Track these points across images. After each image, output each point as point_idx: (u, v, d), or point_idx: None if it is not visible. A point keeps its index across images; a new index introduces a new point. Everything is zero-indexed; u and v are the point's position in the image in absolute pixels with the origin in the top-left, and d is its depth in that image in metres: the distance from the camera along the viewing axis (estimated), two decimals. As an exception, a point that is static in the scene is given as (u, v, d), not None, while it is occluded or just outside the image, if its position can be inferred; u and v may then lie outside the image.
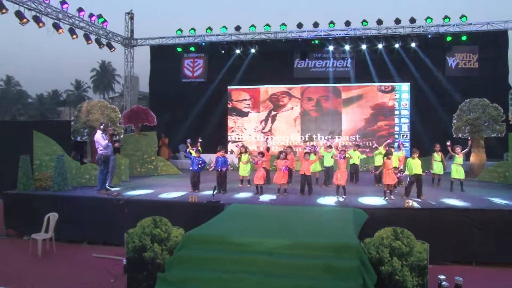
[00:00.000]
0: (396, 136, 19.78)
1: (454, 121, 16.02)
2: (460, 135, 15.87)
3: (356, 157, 14.80)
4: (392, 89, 20.30)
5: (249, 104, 21.94)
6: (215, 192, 11.85)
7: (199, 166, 13.08)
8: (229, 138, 21.85)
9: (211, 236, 7.83)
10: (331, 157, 13.91)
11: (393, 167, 11.64)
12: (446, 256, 9.57)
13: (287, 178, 12.57)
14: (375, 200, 11.33)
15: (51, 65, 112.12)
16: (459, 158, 12.82)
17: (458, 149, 12.87)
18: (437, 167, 13.68)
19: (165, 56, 23.38)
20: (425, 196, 11.55)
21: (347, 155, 13.04)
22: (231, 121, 22.16)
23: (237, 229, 8.31)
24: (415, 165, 11.52)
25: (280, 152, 12.81)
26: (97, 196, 12.22)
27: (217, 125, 22.04)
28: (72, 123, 15.36)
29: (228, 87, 22.12)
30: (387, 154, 11.62)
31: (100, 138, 12.67)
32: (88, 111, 15.45)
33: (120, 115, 16.37)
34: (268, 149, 14.81)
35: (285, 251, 7.24)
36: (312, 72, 21.48)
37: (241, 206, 11.03)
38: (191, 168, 13.21)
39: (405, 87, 20.19)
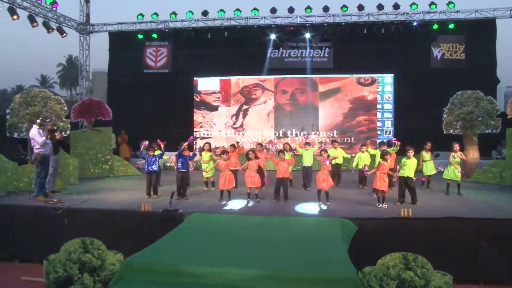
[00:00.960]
0: (378, 132, 18.15)
1: (445, 116, 14.45)
2: (451, 131, 14.32)
3: (340, 156, 13.04)
4: (374, 81, 18.64)
5: (218, 98, 19.95)
6: (173, 199, 9.85)
7: (153, 167, 11.12)
8: (197, 135, 19.73)
9: (158, 265, 5.92)
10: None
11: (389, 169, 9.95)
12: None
13: (260, 181, 10.66)
14: (364, 209, 9.57)
15: (15, 59, 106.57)
16: (457, 158, 11.21)
17: (456, 146, 11.27)
18: (427, 168, 12.12)
19: (125, 44, 21.19)
20: (419, 202, 9.89)
21: (330, 155, 11.24)
22: (199, 115, 20.16)
23: (193, 253, 6.39)
24: (412, 167, 9.83)
25: (249, 151, 10.87)
26: (32, 204, 10.21)
27: (183, 120, 19.96)
28: (8, 116, 13.05)
29: (195, 78, 20.04)
30: (384, 155, 9.86)
31: (36, 135, 10.67)
32: (28, 103, 13.15)
33: (66, 108, 14.10)
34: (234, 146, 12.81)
35: (256, 284, 5.34)
36: (287, 63, 19.63)
37: (204, 217, 9.18)
38: (146, 169, 11.20)
39: (388, 79, 18.59)
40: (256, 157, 10.80)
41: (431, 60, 18.70)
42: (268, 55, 19.67)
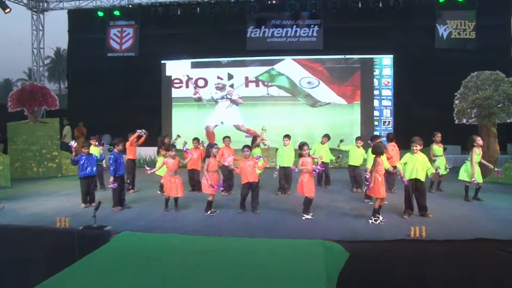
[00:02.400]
0: (376, 123, 15.57)
1: (457, 102, 11.89)
2: (464, 121, 11.76)
3: (326, 152, 10.46)
4: (370, 64, 15.99)
5: (190, 84, 17.21)
6: (96, 211, 7.25)
7: (87, 170, 8.69)
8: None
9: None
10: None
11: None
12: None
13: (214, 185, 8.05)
14: (359, 225, 7.02)
15: (1, 52, 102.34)
16: (478, 154, 8.66)
17: (479, 139, 8.71)
18: (440, 165, 9.59)
19: (86, 25, 18.48)
20: (431, 212, 7.38)
21: (314, 153, 8.66)
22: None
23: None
24: (421, 165, 7.29)
25: (210, 146, 8.24)
26: None
27: (152, 110, 17.26)
28: None
29: (163, 61, 17.32)
30: (378, 149, 7.29)
31: None
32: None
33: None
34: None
35: None
36: (270, 43, 16.93)
37: (136, 237, 6.67)
38: (79, 175, 8.85)
39: (386, 60, 15.94)
40: (214, 156, 8.18)
41: (436, 40, 16.11)
42: (248, 35, 16.99)
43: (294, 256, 5.64)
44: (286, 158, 9.64)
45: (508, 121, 11.37)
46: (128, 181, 10.19)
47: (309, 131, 15.68)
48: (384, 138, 10.79)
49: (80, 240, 6.71)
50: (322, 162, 10.11)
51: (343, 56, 16.12)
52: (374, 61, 15.91)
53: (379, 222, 7.00)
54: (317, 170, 7.41)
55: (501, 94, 11.28)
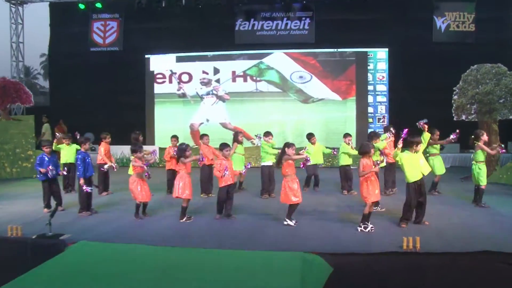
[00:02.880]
0: (370, 120, 14.77)
1: (455, 97, 11.11)
2: (463, 117, 10.99)
3: (318, 153, 9.68)
4: (364, 58, 15.18)
5: (174, 80, 16.37)
6: (52, 217, 6.46)
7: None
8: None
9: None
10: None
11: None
12: None
13: (188, 188, 7.24)
14: (346, 234, 6.22)
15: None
16: (481, 153, 7.86)
17: (484, 136, 7.91)
18: (436, 165, 8.85)
19: (69, 18, 17.58)
20: (429, 219, 6.62)
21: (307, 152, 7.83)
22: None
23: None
24: (415, 165, 6.51)
25: (181, 147, 7.44)
26: None
27: (136, 107, 16.44)
28: None
29: (147, 56, 16.48)
30: (362, 149, 6.49)
31: None
32: None
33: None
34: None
35: None
36: (259, 37, 16.11)
37: (93, 248, 5.88)
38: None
39: (381, 54, 15.13)
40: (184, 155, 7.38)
41: (434, 33, 15.31)
42: (236, 28, 16.17)
43: (266, 272, 4.88)
44: (268, 157, 8.86)
45: (510, 117, 10.63)
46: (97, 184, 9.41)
47: (300, 129, 14.80)
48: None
49: (33, 251, 5.97)
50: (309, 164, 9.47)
51: (335, 50, 15.29)
52: (368, 55, 15.10)
53: (368, 230, 6.22)
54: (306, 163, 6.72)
55: (502, 89, 10.52)
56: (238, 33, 16.11)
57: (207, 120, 15.50)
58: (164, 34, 16.42)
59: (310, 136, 9.81)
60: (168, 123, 15.57)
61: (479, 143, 7.78)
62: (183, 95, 15.98)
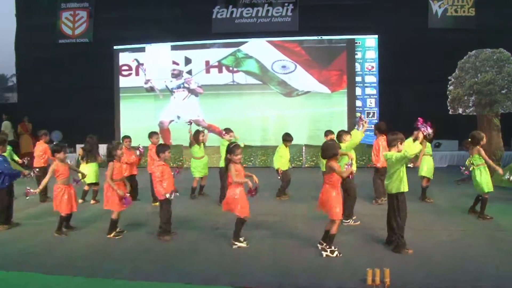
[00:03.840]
0: (358, 114, 13.36)
1: (451, 88, 9.74)
2: (460, 111, 9.61)
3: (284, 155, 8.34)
4: (352, 46, 13.71)
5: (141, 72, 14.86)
6: None
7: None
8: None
9: None
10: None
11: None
12: None
13: (117, 200, 5.91)
14: (305, 257, 4.81)
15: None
16: (478, 157, 6.48)
17: (484, 140, 6.52)
18: (425, 166, 7.68)
19: (36, 7, 16.44)
20: (412, 236, 5.27)
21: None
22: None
23: None
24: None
25: (112, 147, 6.11)
26: None
27: (107, 105, 15.10)
28: None
29: (115, 47, 15.07)
30: (327, 151, 5.10)
31: None
32: None
33: None
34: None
35: None
36: (238, 25, 14.71)
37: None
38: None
39: (370, 42, 13.63)
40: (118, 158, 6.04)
41: (430, 18, 13.90)
42: (214, 16, 14.79)
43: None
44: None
45: (515, 110, 9.26)
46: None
47: (283, 126, 13.34)
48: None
49: None
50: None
51: (319, 37, 13.80)
52: (356, 43, 13.58)
53: (336, 255, 4.85)
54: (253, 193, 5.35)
55: (505, 77, 9.17)
56: (216, 21, 14.74)
57: (178, 117, 13.83)
58: (135, 24, 15.03)
59: (286, 137, 8.43)
60: (136, 121, 14.07)
61: (478, 147, 6.41)
62: (151, 89, 14.37)
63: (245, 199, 5.37)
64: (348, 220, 6.20)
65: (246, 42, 14.05)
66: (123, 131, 12.76)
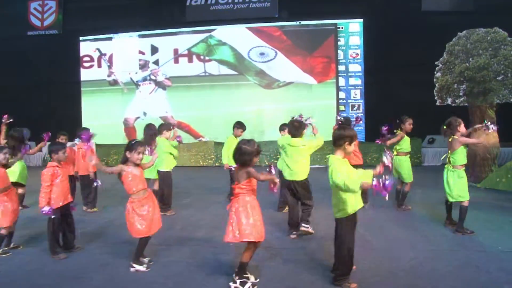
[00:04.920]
0: (342, 108, 12.04)
1: (438, 75, 8.42)
2: (449, 101, 8.31)
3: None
4: (334, 30, 12.40)
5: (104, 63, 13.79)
6: None
7: None
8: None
9: None
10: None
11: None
12: None
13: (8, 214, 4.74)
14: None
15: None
16: (462, 153, 5.21)
17: (461, 127, 5.25)
18: (404, 168, 6.31)
19: (5, -1, 15.38)
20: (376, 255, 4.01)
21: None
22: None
23: None
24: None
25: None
26: None
27: (73, 101, 14.09)
28: None
29: (82, 38, 13.99)
30: (239, 156, 3.83)
31: None
32: None
33: None
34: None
35: None
36: (214, 12, 13.49)
37: None
38: None
39: (354, 26, 12.29)
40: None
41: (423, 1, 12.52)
42: (188, 3, 13.61)
43: None
44: (166, 159, 6.32)
45: (512, 100, 7.92)
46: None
47: (263, 123, 12.20)
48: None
49: None
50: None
51: (298, 22, 12.50)
52: (339, 28, 12.28)
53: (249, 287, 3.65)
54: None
55: (501, 62, 7.83)
56: (190, 9, 13.52)
57: (145, 114, 12.71)
58: (106, 14, 14.04)
59: (238, 126, 7.15)
60: (99, 118, 12.96)
61: (455, 136, 5.15)
62: (115, 82, 13.26)
63: (146, 213, 4.17)
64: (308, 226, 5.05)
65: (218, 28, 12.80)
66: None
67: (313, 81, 12.54)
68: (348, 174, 3.47)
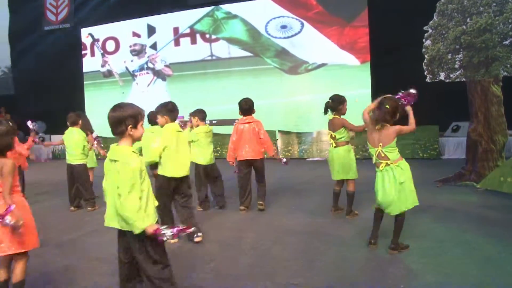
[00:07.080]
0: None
1: (427, 43, 6.54)
2: (441, 77, 6.45)
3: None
4: None
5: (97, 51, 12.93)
6: None
7: None
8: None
9: None
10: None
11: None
12: None
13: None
14: None
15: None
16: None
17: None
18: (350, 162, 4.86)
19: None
20: None
21: None
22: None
23: None
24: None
25: None
26: None
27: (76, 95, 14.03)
28: None
29: (83, 29, 13.52)
30: None
31: None
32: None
33: None
34: None
35: None
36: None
37: None
38: None
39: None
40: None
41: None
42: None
43: None
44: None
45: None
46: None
47: (289, 119, 9.95)
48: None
49: None
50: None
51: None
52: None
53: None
54: None
55: (510, 20, 5.84)
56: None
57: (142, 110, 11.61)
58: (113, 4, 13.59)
59: (197, 114, 5.86)
60: (98, 114, 12.12)
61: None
62: (109, 73, 12.22)
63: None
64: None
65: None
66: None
67: (355, 61, 9.49)
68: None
